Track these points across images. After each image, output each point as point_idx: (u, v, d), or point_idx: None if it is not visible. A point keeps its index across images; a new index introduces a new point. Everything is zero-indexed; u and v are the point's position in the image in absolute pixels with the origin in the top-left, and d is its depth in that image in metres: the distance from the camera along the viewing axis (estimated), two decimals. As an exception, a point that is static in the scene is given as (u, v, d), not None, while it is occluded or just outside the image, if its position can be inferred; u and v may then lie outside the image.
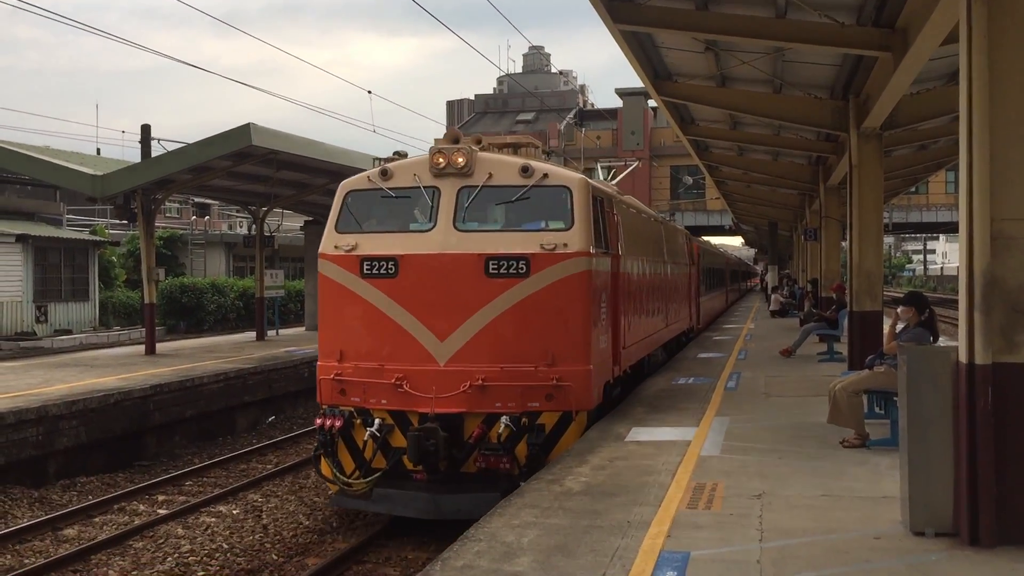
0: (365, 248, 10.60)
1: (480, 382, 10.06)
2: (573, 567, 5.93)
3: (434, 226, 10.44)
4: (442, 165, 10.58)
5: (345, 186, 11.13)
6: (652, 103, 71.67)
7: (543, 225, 10.59)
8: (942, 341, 9.77)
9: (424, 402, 10.04)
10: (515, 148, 12.10)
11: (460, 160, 10.54)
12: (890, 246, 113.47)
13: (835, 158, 20.01)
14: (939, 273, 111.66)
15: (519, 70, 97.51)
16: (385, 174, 10.83)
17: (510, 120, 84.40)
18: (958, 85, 6.49)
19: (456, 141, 10.85)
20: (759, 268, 78.16)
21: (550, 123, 76.15)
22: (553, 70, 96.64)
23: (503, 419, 10.01)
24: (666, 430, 11.04)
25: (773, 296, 36.93)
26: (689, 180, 64.03)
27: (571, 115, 75.63)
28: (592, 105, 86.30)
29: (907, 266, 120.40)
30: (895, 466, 8.01)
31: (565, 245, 10.30)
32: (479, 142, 11.16)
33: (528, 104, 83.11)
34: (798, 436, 10.38)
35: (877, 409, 10.90)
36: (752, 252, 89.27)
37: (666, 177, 70.75)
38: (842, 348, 18.58)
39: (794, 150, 21.75)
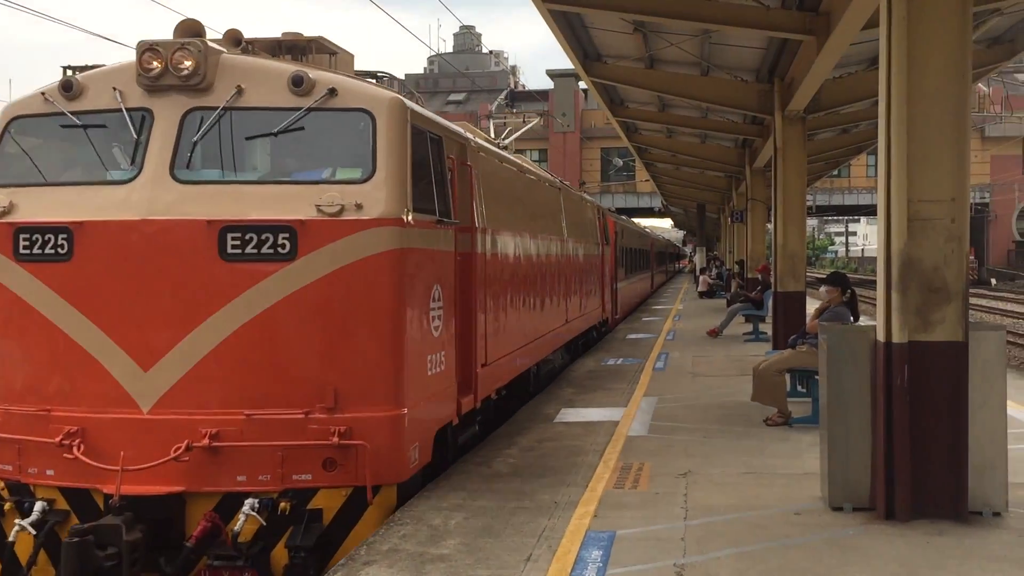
0: (25, 211, 6.63)
1: (208, 441, 6.22)
2: (499, 548, 5.91)
3: (138, 175, 6.48)
4: (156, 71, 6.55)
5: (9, 111, 7.01)
6: (583, 85, 72.07)
7: (327, 175, 6.67)
8: (863, 320, 9.98)
9: (111, 475, 6.10)
10: (298, 52, 7.80)
11: (186, 64, 6.51)
12: (813, 228, 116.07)
13: (761, 141, 20.29)
14: (860, 255, 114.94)
15: (450, 50, 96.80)
16: (70, 89, 6.77)
17: (441, 100, 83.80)
18: (878, 69, 6.60)
19: (197, 35, 6.75)
20: (688, 250, 79.29)
21: (481, 104, 75.90)
22: (484, 50, 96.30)
23: (247, 504, 6.17)
24: (595, 411, 11.11)
25: (701, 277, 37.47)
26: (619, 162, 64.57)
27: (502, 96, 75.46)
28: (523, 86, 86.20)
29: (829, 248, 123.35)
30: (816, 443, 8.16)
31: (359, 207, 6.35)
32: (238, 43, 7.23)
33: (459, 84, 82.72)
34: (724, 415, 10.53)
35: (800, 388, 11.10)
36: (681, 234, 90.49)
37: (597, 159, 71.21)
38: (767, 328, 18.93)
39: (721, 133, 22.00)
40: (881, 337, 6.41)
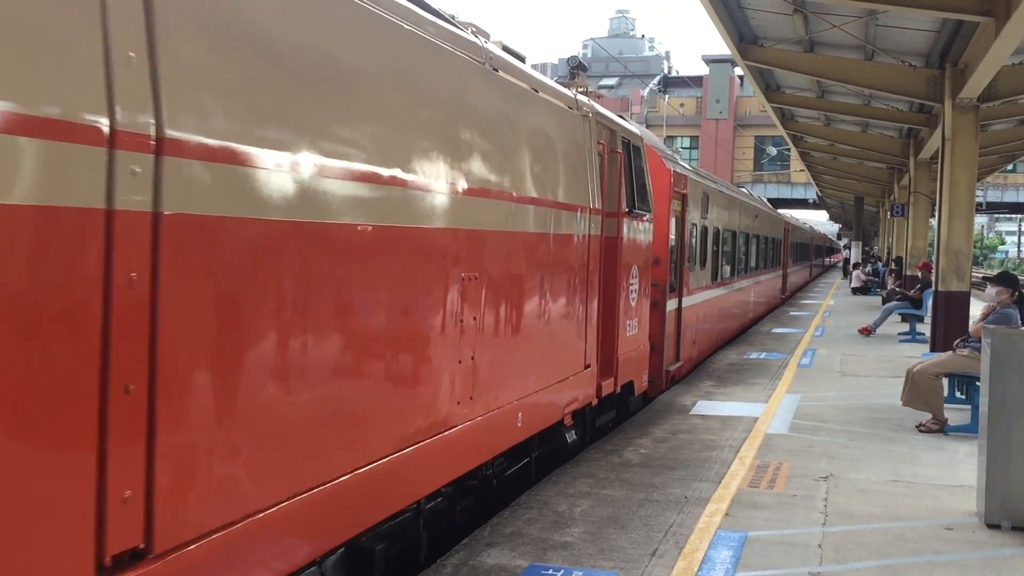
0: None
1: None
2: (624, 540, 5.75)
3: None
4: None
5: None
6: (739, 71, 70.08)
7: None
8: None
9: None
10: None
11: None
12: (982, 226, 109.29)
13: (927, 131, 19.15)
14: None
15: (604, 34, 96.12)
16: None
17: (592, 85, 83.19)
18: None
19: None
20: (842, 244, 76.02)
21: (633, 89, 75.03)
22: (638, 35, 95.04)
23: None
24: (733, 404, 10.74)
25: (855, 273, 35.85)
26: (773, 151, 62.58)
27: (655, 82, 74.36)
28: (677, 72, 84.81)
29: (1000, 247, 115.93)
30: (974, 454, 7.62)
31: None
32: None
33: (612, 69, 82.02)
34: (872, 418, 9.97)
35: (959, 394, 10.42)
36: (836, 228, 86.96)
37: (750, 147, 69.22)
38: (925, 329, 17.90)
39: (884, 121, 20.87)
40: (1054, 344, 5.86)
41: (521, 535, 5.82)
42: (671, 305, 11.70)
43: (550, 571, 5.21)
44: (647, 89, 72.44)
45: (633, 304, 8.94)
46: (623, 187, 8.39)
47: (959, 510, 6.54)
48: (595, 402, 8.09)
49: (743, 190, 22.90)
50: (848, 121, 22.78)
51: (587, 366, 7.72)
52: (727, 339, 17.41)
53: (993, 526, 6.09)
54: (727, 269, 16.89)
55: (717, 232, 15.31)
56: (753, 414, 10.14)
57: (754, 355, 15.58)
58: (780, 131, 26.30)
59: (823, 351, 16.10)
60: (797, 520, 6.25)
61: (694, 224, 13.00)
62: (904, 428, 9.41)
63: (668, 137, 71.25)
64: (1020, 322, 8.87)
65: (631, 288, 8.80)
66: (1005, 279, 9.33)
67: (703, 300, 14.16)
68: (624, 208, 8.37)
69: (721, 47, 69.55)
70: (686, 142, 71.93)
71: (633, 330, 9.01)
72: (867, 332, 18.81)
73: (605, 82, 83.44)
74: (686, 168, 13.37)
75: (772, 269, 25.34)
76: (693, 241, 13.03)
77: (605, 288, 8.05)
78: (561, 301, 6.99)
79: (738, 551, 5.59)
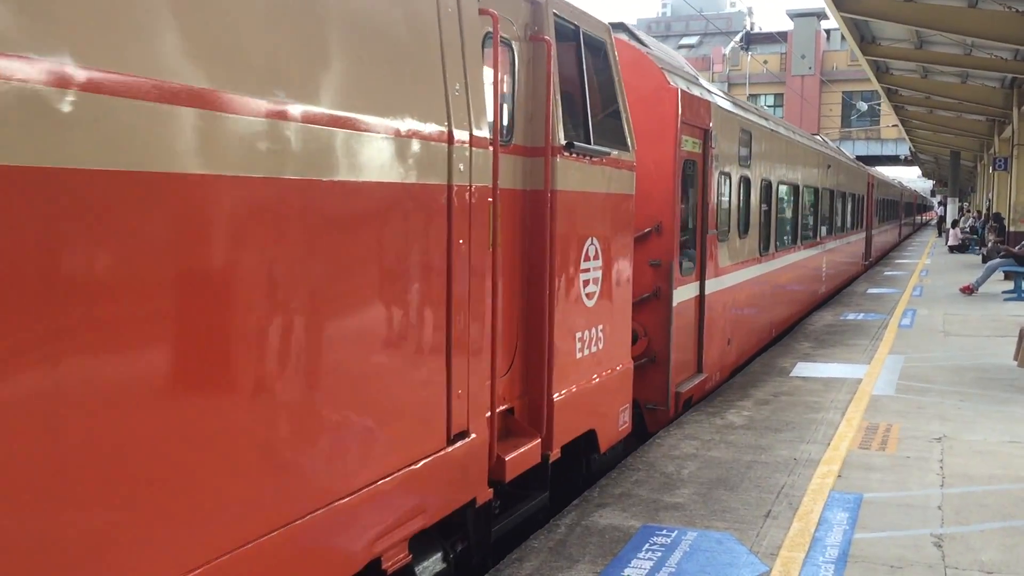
0: None
1: None
2: (736, 502, 5.71)
3: None
4: None
5: None
6: (825, 24, 67.94)
7: None
8: None
9: None
10: None
11: None
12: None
13: (1034, 79, 18.31)
14: None
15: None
16: None
17: (672, 44, 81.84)
18: None
19: None
20: (935, 201, 73.51)
21: (715, 47, 73.43)
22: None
23: None
24: (834, 366, 10.53)
25: (952, 231, 34.66)
26: (863, 106, 60.69)
27: (737, 38, 72.63)
28: (760, 28, 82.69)
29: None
30: (1097, 414, 7.34)
31: None
32: None
33: (692, 27, 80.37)
34: (982, 378, 9.67)
35: (1074, 352, 10.00)
36: (929, 184, 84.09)
37: (837, 104, 67.27)
38: (1032, 286, 17.25)
39: (986, 71, 20.00)
40: None
41: (631, 496, 5.83)
42: (684, 294, 8.17)
43: (664, 531, 5.21)
44: (729, 47, 70.82)
45: (591, 303, 5.64)
46: (553, 105, 4.97)
47: (1085, 472, 6.31)
48: (489, 495, 4.55)
49: (818, 138, 17.87)
50: (947, 72, 21.92)
51: (459, 435, 4.16)
52: (784, 328, 13.43)
53: (1124, 488, 5.87)
54: (785, 235, 13.06)
55: (768, 186, 11.43)
56: (856, 375, 9.93)
57: (851, 316, 15.23)
58: (874, 85, 25.48)
59: (924, 311, 15.64)
60: (913, 482, 6.12)
61: (726, 174, 9.29)
62: (1018, 388, 9.10)
63: (752, 95, 69.71)
64: None
65: (585, 277, 5.54)
66: None
67: (744, 281, 10.34)
68: (560, 141, 5.07)
69: (806, 1, 67.54)
70: (770, 100, 70.23)
71: (594, 346, 5.69)
72: (969, 291, 18.20)
73: (686, 41, 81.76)
74: (712, 92, 9.29)
75: (852, 232, 21.13)
76: (725, 198, 9.39)
77: (520, 282, 4.93)
78: (379, 318, 3.61)
79: (854, 512, 5.50)
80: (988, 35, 14.85)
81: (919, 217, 67.61)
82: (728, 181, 9.45)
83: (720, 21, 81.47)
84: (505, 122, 4.84)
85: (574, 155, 5.30)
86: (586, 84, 5.56)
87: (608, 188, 5.88)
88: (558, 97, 5.11)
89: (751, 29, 79.21)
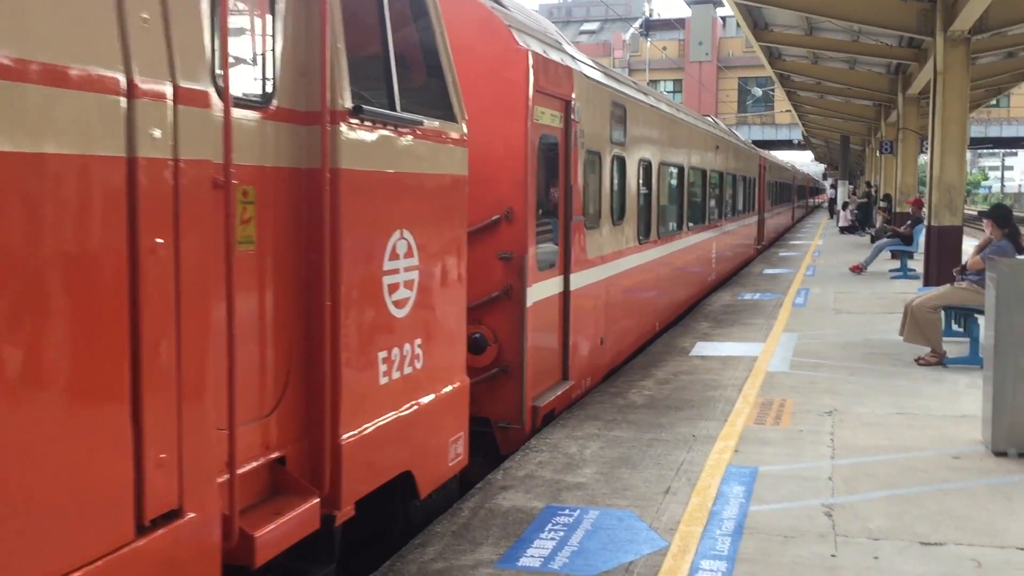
0: None
1: None
2: (637, 479, 5.79)
3: None
4: None
5: None
6: (721, 12, 69.41)
7: None
8: None
9: None
10: None
11: None
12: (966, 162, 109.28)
13: (916, 66, 19.05)
14: (1017, 190, 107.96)
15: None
16: None
17: (574, 30, 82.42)
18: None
19: None
20: (827, 184, 76.07)
21: (615, 33, 74.26)
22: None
23: None
24: (732, 345, 10.80)
25: (843, 212, 35.92)
26: (758, 92, 62.27)
27: (637, 25, 73.58)
28: (658, 15, 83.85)
29: (983, 183, 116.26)
30: (974, 385, 7.70)
31: None
32: None
33: (593, 13, 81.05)
34: (870, 353, 10.05)
35: (956, 326, 10.50)
36: (821, 168, 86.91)
37: (733, 89, 68.88)
38: (916, 265, 17.99)
39: (873, 57, 20.73)
40: (1060, 272, 5.87)
41: (534, 477, 5.86)
42: (543, 290, 7.10)
43: (567, 511, 5.25)
44: (629, 33, 71.71)
45: (402, 312, 4.45)
46: (333, 55, 3.82)
47: (964, 439, 6.61)
48: None
49: (708, 119, 17.56)
50: (836, 58, 22.63)
51: (163, 518, 2.90)
52: (671, 320, 12.62)
53: (1000, 454, 6.17)
54: (668, 221, 12.23)
55: (648, 167, 10.49)
56: (752, 353, 10.19)
57: (748, 296, 15.63)
58: (767, 71, 26.13)
59: (816, 290, 16.17)
60: (806, 454, 6.31)
61: (595, 152, 8.28)
62: (903, 362, 9.48)
63: (652, 81, 70.82)
64: (1015, 254, 8.91)
65: (392, 280, 4.36)
66: (995, 212, 9.35)
67: (620, 272, 9.32)
68: (344, 105, 3.91)
69: (703, -12, 68.81)
70: (670, 85, 71.46)
71: (408, 365, 4.52)
72: (858, 270, 18.89)
73: (587, 27, 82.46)
74: (578, 59, 8.14)
75: (743, 215, 20.65)
76: (595, 180, 8.39)
77: (292, 292, 3.78)
78: None
79: (750, 486, 5.64)
80: (874, 22, 15.39)
81: (812, 200, 69.74)
82: (598, 161, 8.43)
83: (620, 7, 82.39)
84: (259, 75, 3.65)
85: (368, 123, 4.09)
86: (389, 35, 4.35)
87: (426, 167, 4.69)
88: (340, 46, 3.87)
89: (650, 16, 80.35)
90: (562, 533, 4.91)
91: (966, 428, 6.88)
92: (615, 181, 9.12)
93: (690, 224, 13.59)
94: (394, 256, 4.40)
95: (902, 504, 5.30)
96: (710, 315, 13.46)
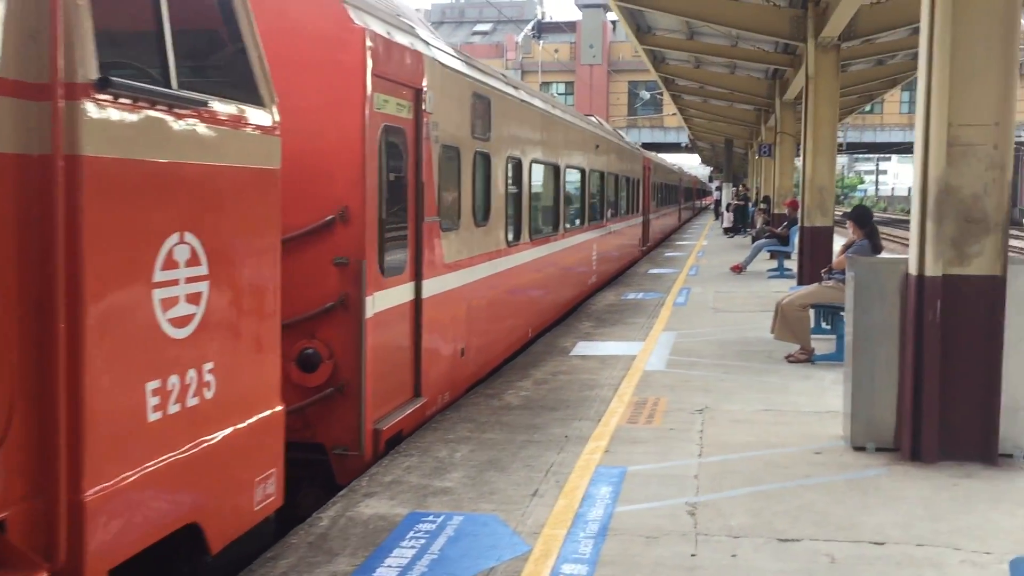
0: None
1: None
2: (505, 482, 5.70)
3: None
4: None
5: None
6: (612, 16, 70.47)
7: None
8: (887, 255, 9.62)
9: None
10: None
11: None
12: (843, 166, 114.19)
13: (792, 71, 19.62)
14: (890, 193, 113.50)
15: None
16: None
17: (467, 31, 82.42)
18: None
19: None
20: (714, 186, 78.01)
21: (507, 35, 74.55)
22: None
23: None
24: (612, 344, 10.85)
25: (727, 214, 36.86)
26: (646, 95, 63.41)
27: (529, 27, 74.04)
28: (550, 17, 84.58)
29: (859, 186, 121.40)
30: (839, 381, 7.89)
31: None
32: None
33: (486, 15, 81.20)
34: (745, 351, 10.24)
35: (824, 324, 10.79)
36: (708, 170, 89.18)
37: (624, 93, 69.98)
38: (792, 264, 18.52)
39: (751, 63, 21.27)
40: (913, 270, 6.05)
41: (400, 483, 5.70)
42: (388, 299, 6.34)
43: (430, 517, 5.11)
44: (521, 35, 72.10)
45: (184, 332, 3.70)
46: (68, 10, 3.09)
47: (827, 435, 6.76)
48: None
49: (592, 119, 17.25)
50: (717, 63, 23.13)
51: None
52: (548, 324, 12.07)
53: (859, 448, 6.32)
54: (542, 222, 11.61)
55: (518, 165, 9.90)
56: (631, 352, 10.26)
57: (631, 295, 15.81)
58: (653, 75, 26.54)
59: (697, 289, 16.47)
60: (675, 453, 6.34)
61: (453, 148, 7.63)
62: (774, 360, 9.69)
63: (544, 83, 71.36)
64: (872, 254, 9.21)
65: (167, 294, 3.60)
66: (854, 214, 9.65)
67: (485, 277, 8.67)
68: (88, 76, 3.15)
69: (593, -8, 69.74)
70: (561, 88, 72.16)
71: (193, 396, 3.74)
72: (738, 270, 19.35)
73: (479, 28, 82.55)
74: (433, 45, 7.37)
75: (627, 216, 20.26)
76: (452, 178, 7.72)
77: (19, 310, 3.06)
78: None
79: (618, 486, 5.62)
80: (751, 28, 15.77)
81: (699, 201, 71.35)
82: (457, 157, 7.78)
83: (512, 9, 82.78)
84: None
85: (125, 101, 3.33)
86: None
87: (218, 158, 3.94)
88: (82, 1, 3.12)
89: (543, 18, 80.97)
90: (423, 541, 4.77)
91: (829, 424, 7.03)
92: (478, 179, 8.49)
93: (568, 225, 13.15)
94: (171, 265, 3.58)
95: (764, 501, 5.35)
96: (593, 314, 13.54)
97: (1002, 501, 5.30)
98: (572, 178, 13.42)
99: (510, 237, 9.76)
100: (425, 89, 6.85)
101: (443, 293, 7.43)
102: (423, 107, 6.81)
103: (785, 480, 5.71)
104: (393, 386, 6.52)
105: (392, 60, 6.31)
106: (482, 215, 8.71)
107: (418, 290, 6.89)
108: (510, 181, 9.68)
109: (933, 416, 5.97)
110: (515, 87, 10.27)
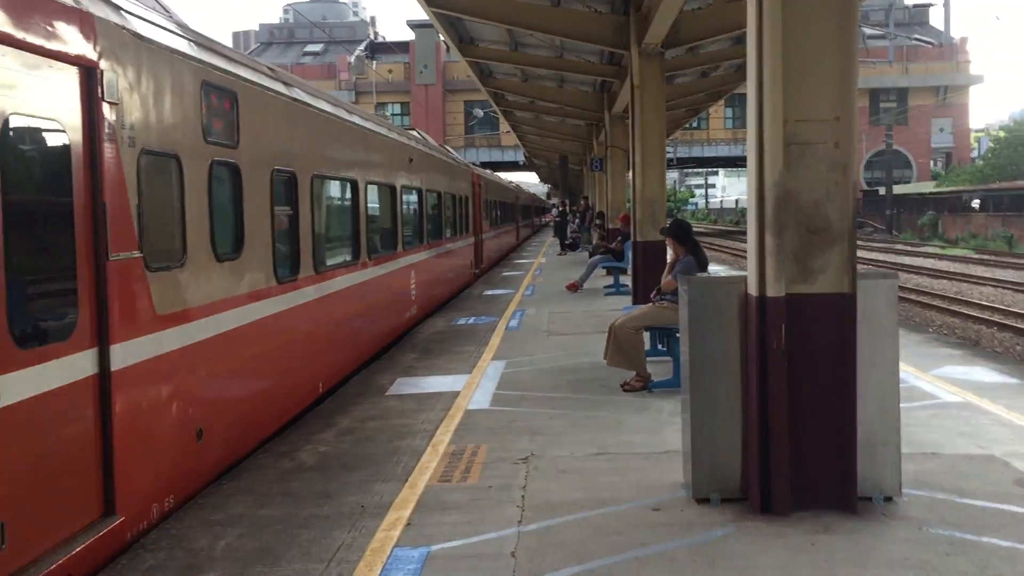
0: None
1: None
2: (273, 582, 4.46)
3: None
4: None
5: None
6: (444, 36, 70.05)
7: None
8: (718, 271, 8.94)
9: None
10: None
11: None
12: (675, 181, 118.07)
13: (619, 83, 19.21)
14: (719, 206, 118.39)
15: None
16: None
17: (297, 51, 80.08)
18: (737, 1, 5.34)
19: None
20: (552, 203, 78.55)
21: (340, 56, 72.77)
22: (341, 0, 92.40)
23: None
24: (435, 379, 9.74)
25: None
26: (480, 113, 63.06)
27: (361, 47, 72.54)
28: (383, 38, 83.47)
29: (690, 200, 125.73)
30: (678, 412, 7.04)
31: None
32: None
33: (316, 35, 79.25)
34: (577, 380, 9.33)
35: (660, 346, 10.04)
36: (546, 188, 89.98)
37: (460, 112, 69.49)
38: (628, 280, 17.98)
39: (579, 75, 20.77)
40: (753, 290, 5.22)
41: (133, 595, 4.37)
42: (27, 385, 4.16)
43: (157, 650, 3.81)
44: (354, 55, 70.53)
45: None
46: None
47: (666, 483, 5.84)
48: None
49: (415, 133, 16.00)
50: (545, 76, 22.58)
51: None
52: (346, 373, 9.99)
53: (702, 500, 5.41)
54: (333, 251, 9.67)
55: (291, 180, 7.97)
56: (455, 388, 9.18)
57: (463, 320, 14.77)
58: (482, 90, 25.77)
59: (532, 311, 15.60)
60: (489, 521, 5.25)
61: (172, 155, 5.70)
62: (609, 389, 8.82)
63: (379, 104, 70.00)
64: (698, 269, 8.51)
65: None
66: (671, 230, 8.97)
67: (236, 328, 6.62)
68: None
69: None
70: (398, 108, 71.00)
71: None
72: (574, 288, 18.67)
73: (310, 48, 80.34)
74: (127, 9, 5.28)
75: (455, 238, 18.64)
76: (170, 197, 5.75)
77: None
78: None
79: (417, 575, 4.48)
80: (573, 34, 15.11)
81: (539, 219, 71.35)
82: (177, 168, 5.78)
83: (343, 30, 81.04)
84: None
85: None
86: None
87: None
88: None
89: (375, 38, 79.64)
90: None
91: (669, 468, 6.13)
92: (219, 198, 6.40)
93: (373, 253, 11.18)
94: None
95: (593, 583, 4.33)
96: (419, 344, 12.40)
97: (868, 565, 4.46)
98: (377, 197, 11.68)
99: (281, 272, 7.70)
100: (105, 68, 4.83)
101: (157, 358, 5.38)
102: (102, 93, 4.81)
103: (618, 552, 4.72)
104: (51, 511, 4.36)
105: (19, 18, 4.17)
106: (229, 246, 6.64)
107: (103, 360, 4.81)
108: (278, 201, 7.65)
109: (783, 459, 5.13)
110: (286, 83, 8.18)
